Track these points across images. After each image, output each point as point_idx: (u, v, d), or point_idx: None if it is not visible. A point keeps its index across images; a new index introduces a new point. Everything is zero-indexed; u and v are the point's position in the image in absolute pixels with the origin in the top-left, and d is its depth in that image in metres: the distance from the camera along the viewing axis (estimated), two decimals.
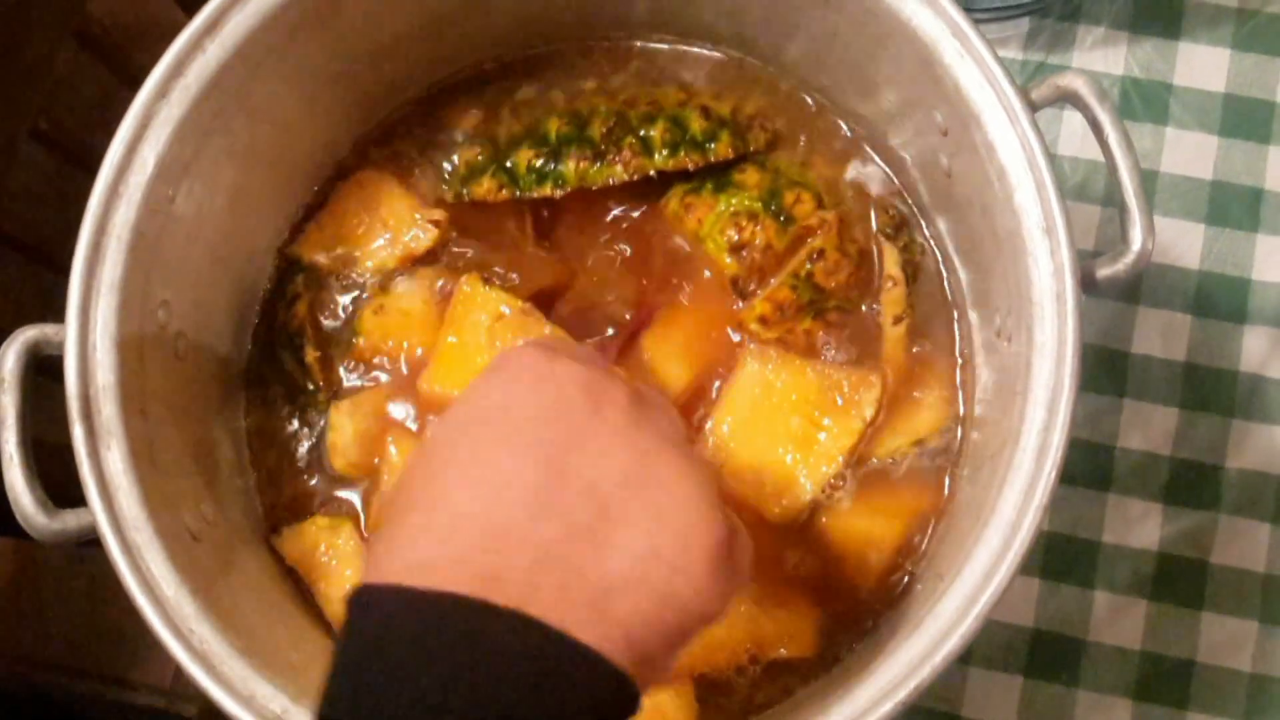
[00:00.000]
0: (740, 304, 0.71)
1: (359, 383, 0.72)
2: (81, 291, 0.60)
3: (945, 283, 0.73)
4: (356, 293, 0.73)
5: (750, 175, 0.72)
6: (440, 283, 0.72)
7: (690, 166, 0.71)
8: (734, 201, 0.71)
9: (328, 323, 0.73)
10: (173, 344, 0.64)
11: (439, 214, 0.73)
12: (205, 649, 0.57)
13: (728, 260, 0.71)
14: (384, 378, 0.72)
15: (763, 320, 0.71)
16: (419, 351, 0.71)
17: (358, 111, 0.74)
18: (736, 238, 0.70)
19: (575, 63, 0.76)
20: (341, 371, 0.72)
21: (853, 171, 0.74)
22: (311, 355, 0.71)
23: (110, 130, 0.61)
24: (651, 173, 0.71)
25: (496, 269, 0.72)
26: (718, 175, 0.72)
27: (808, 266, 0.70)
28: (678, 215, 0.72)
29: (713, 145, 0.72)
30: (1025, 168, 0.58)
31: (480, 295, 0.69)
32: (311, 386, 0.71)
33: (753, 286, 0.71)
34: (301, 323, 0.72)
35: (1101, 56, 0.85)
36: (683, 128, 0.72)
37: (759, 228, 0.70)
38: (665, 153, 0.71)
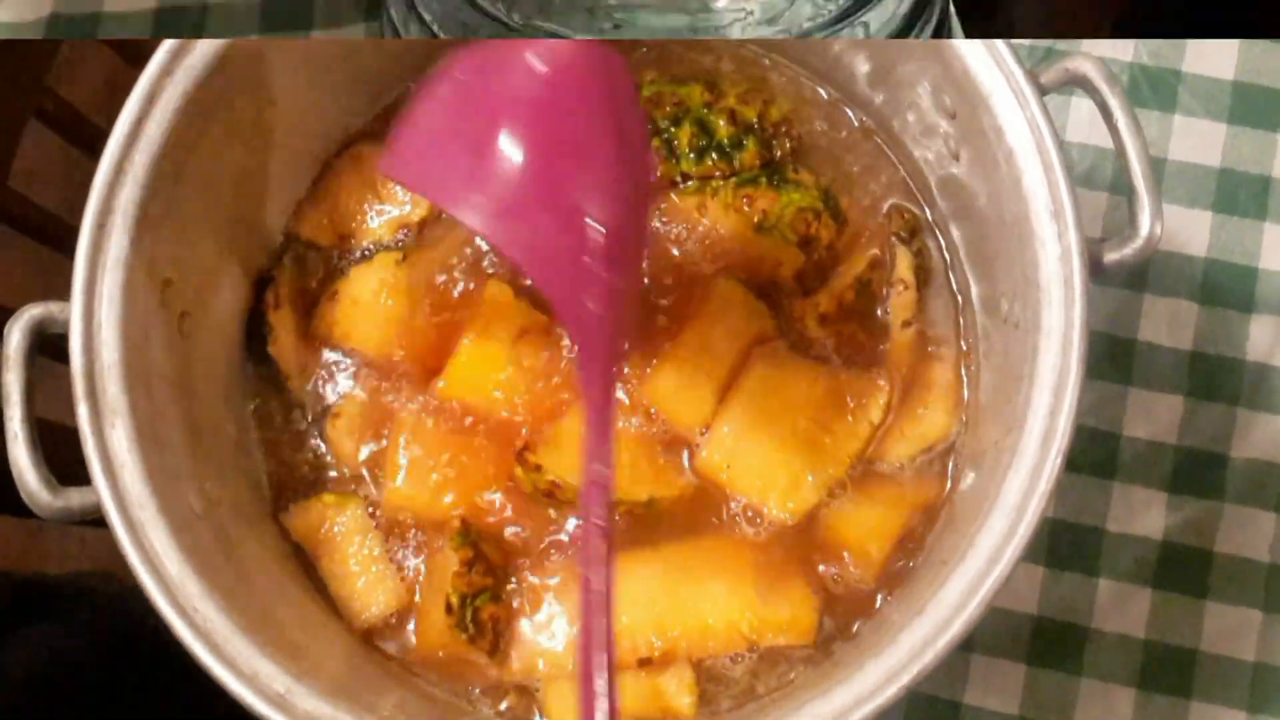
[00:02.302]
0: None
1: (344, 364, 0.71)
2: (86, 269, 0.59)
3: (950, 274, 0.72)
4: (339, 274, 0.72)
5: (805, 175, 0.72)
6: (380, 278, 0.70)
7: (717, 175, 0.71)
8: (795, 197, 0.71)
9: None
10: (178, 323, 0.64)
11: None
12: (209, 627, 0.56)
13: (798, 253, 0.70)
14: (362, 368, 0.71)
15: (822, 318, 0.70)
16: (364, 339, 0.70)
17: (368, 91, 0.73)
18: (805, 231, 0.70)
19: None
20: (330, 356, 0.71)
21: (872, 169, 0.74)
22: (275, 346, 0.70)
23: (115, 111, 0.61)
24: (675, 177, 0.71)
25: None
26: (768, 171, 0.72)
27: (869, 274, 0.70)
28: (734, 207, 0.71)
29: (739, 153, 0.71)
30: (1033, 151, 0.58)
31: (509, 304, 0.68)
32: (281, 375, 0.71)
33: (815, 284, 0.71)
34: (267, 308, 0.70)
35: (1110, 42, 0.84)
36: (709, 133, 0.72)
37: (822, 226, 0.70)
38: (692, 157, 0.71)
